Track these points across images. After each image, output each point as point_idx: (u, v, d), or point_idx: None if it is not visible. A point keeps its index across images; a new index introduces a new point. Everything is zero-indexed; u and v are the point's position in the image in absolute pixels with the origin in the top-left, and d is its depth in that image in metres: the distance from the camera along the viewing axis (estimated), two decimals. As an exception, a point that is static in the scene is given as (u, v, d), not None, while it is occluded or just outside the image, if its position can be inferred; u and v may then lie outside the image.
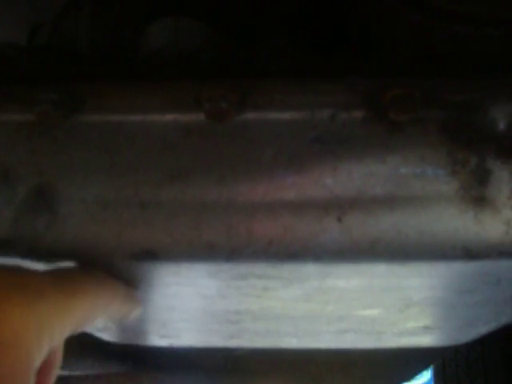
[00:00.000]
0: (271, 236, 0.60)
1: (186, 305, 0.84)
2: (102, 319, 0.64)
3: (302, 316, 0.89)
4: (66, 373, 1.58)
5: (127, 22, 0.80)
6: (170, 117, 0.64)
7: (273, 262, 0.61)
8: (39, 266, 0.66)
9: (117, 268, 0.65)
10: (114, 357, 1.61)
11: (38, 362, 0.50)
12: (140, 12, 0.80)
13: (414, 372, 1.68)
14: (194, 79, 0.63)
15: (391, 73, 0.61)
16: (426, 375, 5.68)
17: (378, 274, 0.66)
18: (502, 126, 0.63)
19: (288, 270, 0.64)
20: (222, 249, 0.60)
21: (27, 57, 0.70)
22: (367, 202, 0.61)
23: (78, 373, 1.60)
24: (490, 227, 0.61)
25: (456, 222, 0.61)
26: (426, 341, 1.12)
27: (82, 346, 1.44)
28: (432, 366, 2.07)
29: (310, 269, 0.63)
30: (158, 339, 1.08)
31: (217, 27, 0.74)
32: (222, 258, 0.61)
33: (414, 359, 1.58)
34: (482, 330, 1.01)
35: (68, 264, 0.64)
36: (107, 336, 1.10)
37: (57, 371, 0.64)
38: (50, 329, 0.52)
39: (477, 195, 0.62)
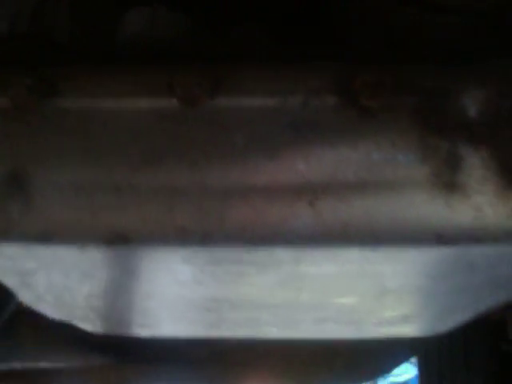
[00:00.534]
0: (243, 220, 0.61)
1: (163, 292, 0.84)
2: None
3: (280, 304, 0.90)
4: (49, 365, 1.58)
5: (105, 10, 0.80)
6: (143, 102, 0.64)
7: (245, 247, 0.62)
8: (13, 251, 0.66)
9: (90, 252, 0.65)
10: (98, 349, 1.61)
11: None
12: (117, 0, 0.80)
13: (397, 362, 1.69)
14: (168, 65, 0.64)
15: (362, 59, 0.62)
16: (412, 371, 5.72)
17: (351, 259, 0.66)
18: (472, 112, 0.63)
19: (261, 254, 0.64)
20: (194, 233, 0.61)
21: (4, 43, 0.70)
22: (339, 187, 0.62)
23: (61, 365, 1.60)
24: (460, 213, 0.62)
25: (427, 207, 0.62)
26: (405, 330, 1.13)
27: (64, 338, 1.44)
28: (416, 360, 2.08)
29: (283, 253, 0.64)
30: (138, 328, 1.08)
31: (192, 17, 0.74)
32: (194, 242, 0.61)
33: (396, 349, 1.59)
34: (461, 318, 1.02)
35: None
36: (89, 326, 1.10)
37: None
38: None
39: (448, 181, 0.62)
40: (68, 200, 0.63)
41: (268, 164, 0.62)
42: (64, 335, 1.38)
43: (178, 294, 0.85)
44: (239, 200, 0.61)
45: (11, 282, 0.81)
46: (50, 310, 0.99)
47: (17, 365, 1.45)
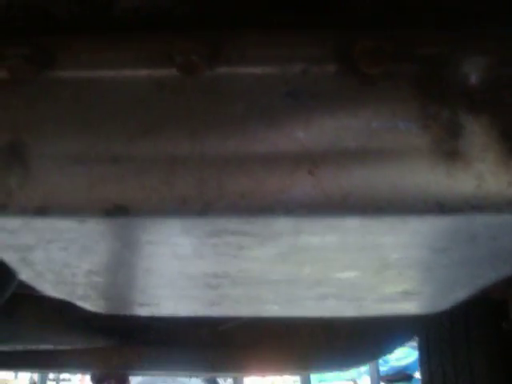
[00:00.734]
0: (243, 190, 0.60)
1: (163, 267, 0.84)
2: None
3: (281, 280, 0.90)
4: (51, 347, 1.58)
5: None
6: (142, 72, 0.63)
7: (245, 216, 0.61)
8: (12, 224, 0.66)
9: (89, 225, 0.64)
10: (100, 331, 1.61)
11: None
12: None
13: (397, 343, 1.70)
14: (166, 34, 0.63)
15: (362, 25, 0.61)
16: (413, 355, 5.72)
17: (351, 229, 0.66)
18: (473, 80, 0.63)
19: (261, 224, 0.64)
20: (193, 203, 0.60)
21: (2, 14, 0.69)
22: (339, 155, 0.61)
23: (63, 347, 1.60)
24: (462, 181, 0.61)
25: (428, 175, 0.61)
26: (406, 307, 1.13)
27: (67, 320, 1.44)
28: (417, 344, 2.09)
29: (283, 223, 0.63)
30: (138, 308, 1.08)
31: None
32: (194, 212, 0.61)
33: (396, 330, 1.60)
34: (462, 293, 1.02)
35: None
36: (90, 306, 1.10)
37: None
38: None
39: (449, 149, 0.62)
40: (66, 172, 0.62)
41: (267, 132, 0.61)
42: (66, 317, 1.39)
43: (177, 270, 0.85)
44: (238, 169, 0.61)
45: (11, 259, 0.81)
46: (51, 288, 0.99)
47: (19, 346, 1.46)
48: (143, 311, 1.09)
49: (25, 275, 0.91)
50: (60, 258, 0.79)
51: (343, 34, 0.62)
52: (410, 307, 1.11)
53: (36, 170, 0.63)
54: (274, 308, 1.10)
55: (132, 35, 0.64)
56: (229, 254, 0.76)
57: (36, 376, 6.96)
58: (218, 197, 0.61)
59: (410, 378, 6.41)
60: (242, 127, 0.61)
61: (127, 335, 1.66)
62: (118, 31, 0.66)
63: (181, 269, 0.84)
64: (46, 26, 0.66)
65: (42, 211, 0.63)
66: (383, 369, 6.20)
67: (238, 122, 0.61)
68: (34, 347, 1.51)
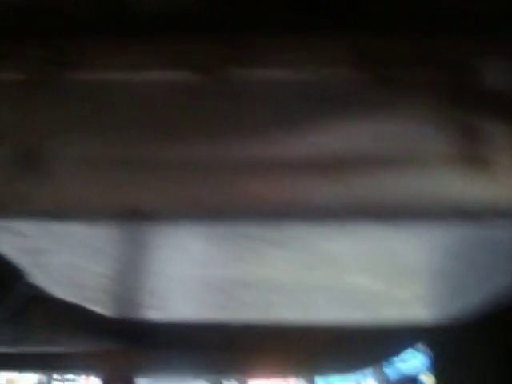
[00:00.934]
0: (258, 194, 0.60)
1: (175, 271, 0.83)
2: None
3: (293, 284, 0.89)
4: (60, 349, 1.58)
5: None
6: (158, 74, 0.63)
7: (260, 221, 0.61)
8: (25, 227, 0.65)
9: (102, 228, 0.64)
10: (109, 334, 1.61)
11: None
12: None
13: (402, 348, 1.69)
14: (182, 36, 0.62)
15: (385, 28, 0.60)
16: (420, 358, 5.69)
17: (366, 234, 0.65)
18: (495, 84, 0.62)
19: (275, 229, 0.63)
20: (208, 207, 0.60)
21: (17, 15, 0.69)
22: (357, 160, 0.60)
23: (72, 349, 1.60)
24: (485, 187, 0.60)
25: (451, 181, 0.60)
26: (418, 314, 1.12)
27: (76, 323, 1.43)
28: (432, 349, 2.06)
29: (298, 228, 0.63)
30: (147, 311, 1.07)
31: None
32: (209, 217, 0.60)
33: (401, 334, 1.58)
34: (475, 301, 1.01)
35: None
36: (100, 309, 1.09)
37: None
38: None
39: (472, 155, 0.61)
40: (81, 174, 0.61)
41: (283, 136, 0.60)
42: (75, 320, 1.38)
43: (189, 273, 0.84)
44: (253, 173, 0.60)
45: (23, 262, 0.81)
46: (62, 291, 0.98)
47: (29, 348, 1.45)
48: (153, 314, 1.08)
49: (36, 278, 0.90)
50: (72, 261, 0.78)
51: (361, 37, 0.61)
52: (423, 313, 1.10)
53: (50, 172, 0.62)
54: (283, 312, 1.09)
55: (149, 37, 0.64)
56: (241, 258, 0.75)
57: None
58: (232, 200, 0.60)
59: (414, 380, 6.39)
60: (256, 130, 0.60)
61: (136, 338, 1.66)
62: (135, 33, 0.66)
63: (192, 272, 0.83)
64: (63, 28, 0.66)
65: (55, 213, 0.62)
66: (388, 371, 6.19)
67: (253, 125, 0.61)
68: (43, 350, 1.50)
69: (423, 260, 0.79)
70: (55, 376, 7.17)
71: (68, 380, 8.23)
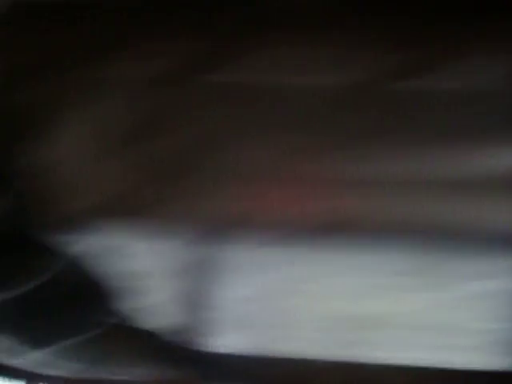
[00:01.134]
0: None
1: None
2: None
3: (400, 324, 0.85)
4: (125, 377, 1.56)
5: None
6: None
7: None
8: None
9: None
10: (173, 362, 1.59)
11: None
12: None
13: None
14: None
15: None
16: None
17: None
18: None
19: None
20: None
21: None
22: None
23: (142, 378, 1.58)
24: None
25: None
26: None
27: (150, 351, 1.41)
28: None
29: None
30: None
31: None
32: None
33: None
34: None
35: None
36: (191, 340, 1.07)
37: None
38: None
39: None
40: None
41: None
42: (152, 348, 1.36)
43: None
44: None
45: (124, 284, 0.79)
46: (150, 318, 0.97)
47: (104, 375, 1.44)
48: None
49: (129, 303, 0.89)
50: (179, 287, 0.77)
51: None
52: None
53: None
54: (376, 353, 1.05)
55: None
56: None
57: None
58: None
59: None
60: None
61: (197, 367, 1.63)
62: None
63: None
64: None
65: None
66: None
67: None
68: (117, 377, 1.49)
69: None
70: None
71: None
